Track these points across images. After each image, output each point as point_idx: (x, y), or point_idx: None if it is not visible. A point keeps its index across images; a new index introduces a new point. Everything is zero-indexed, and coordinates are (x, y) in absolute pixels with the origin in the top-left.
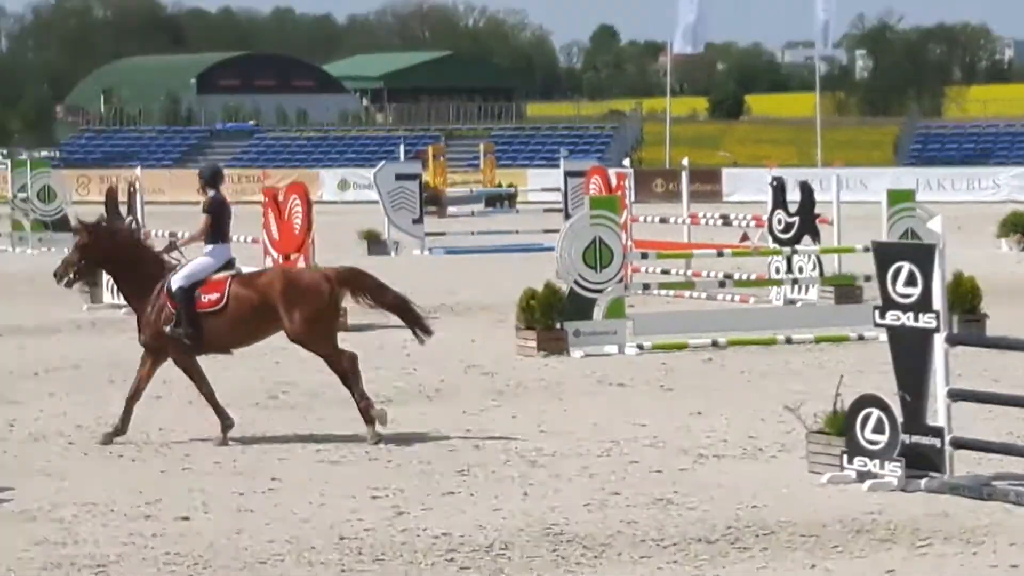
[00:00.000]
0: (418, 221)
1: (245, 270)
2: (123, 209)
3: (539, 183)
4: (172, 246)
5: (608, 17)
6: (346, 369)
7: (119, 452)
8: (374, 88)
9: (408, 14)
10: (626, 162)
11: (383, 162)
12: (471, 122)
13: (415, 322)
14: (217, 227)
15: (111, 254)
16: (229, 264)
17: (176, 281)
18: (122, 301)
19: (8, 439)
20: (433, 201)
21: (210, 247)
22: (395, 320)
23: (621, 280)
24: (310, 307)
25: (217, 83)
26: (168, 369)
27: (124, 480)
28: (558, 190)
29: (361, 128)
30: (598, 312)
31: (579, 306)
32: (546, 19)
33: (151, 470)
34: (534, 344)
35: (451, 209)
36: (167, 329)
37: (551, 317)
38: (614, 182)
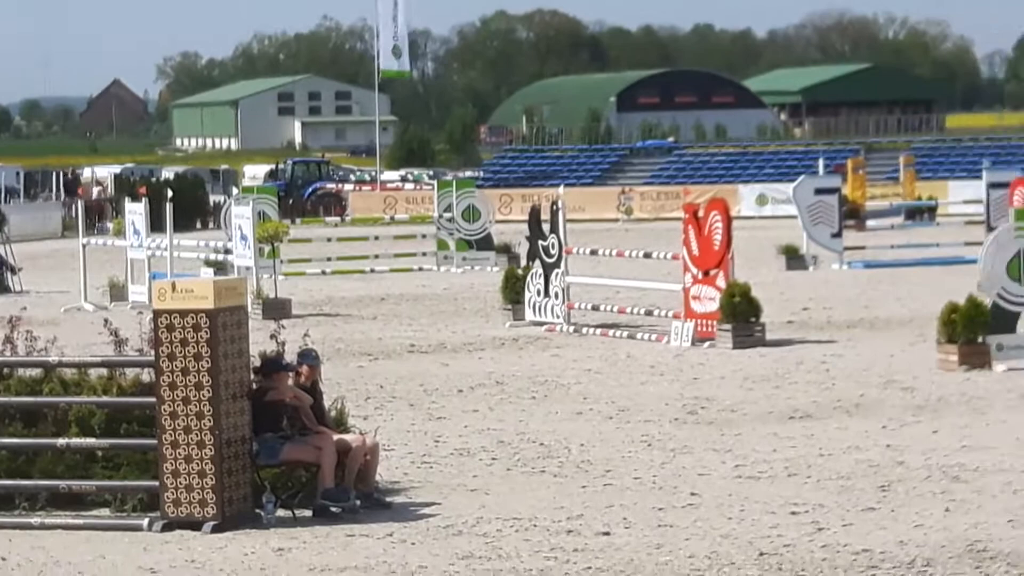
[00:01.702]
0: (837, 235)
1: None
2: (545, 228)
3: (960, 195)
4: None
5: None
6: None
7: (541, 467)
8: (792, 102)
9: (828, 27)
10: None
11: (802, 176)
12: (891, 134)
13: None
14: None
15: None
16: None
17: None
18: (543, 318)
19: (434, 454)
20: (852, 215)
21: None
22: (813, 336)
23: None
24: None
25: (637, 100)
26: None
27: (546, 495)
28: (980, 202)
29: (780, 143)
30: (1023, 326)
31: (1003, 319)
32: (968, 29)
33: (572, 485)
34: (956, 358)
35: (870, 223)
36: None
37: (974, 331)
38: None
